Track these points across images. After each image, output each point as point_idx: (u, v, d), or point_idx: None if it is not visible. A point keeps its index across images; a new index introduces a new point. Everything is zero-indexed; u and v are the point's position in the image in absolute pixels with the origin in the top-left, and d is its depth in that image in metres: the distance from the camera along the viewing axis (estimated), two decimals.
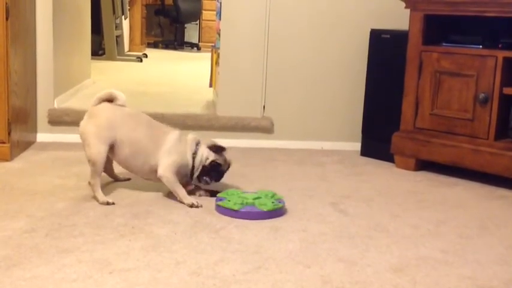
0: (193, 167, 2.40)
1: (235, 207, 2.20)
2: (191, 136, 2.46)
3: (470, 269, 1.84)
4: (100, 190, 2.32)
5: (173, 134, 2.42)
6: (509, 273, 1.82)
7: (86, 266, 1.71)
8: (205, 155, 2.40)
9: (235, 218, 2.18)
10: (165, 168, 2.34)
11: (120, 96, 2.48)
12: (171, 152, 2.37)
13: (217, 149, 2.42)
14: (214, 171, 2.41)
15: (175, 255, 1.82)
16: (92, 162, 2.33)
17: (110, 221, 2.09)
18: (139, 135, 2.40)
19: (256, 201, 2.25)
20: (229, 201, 2.25)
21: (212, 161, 2.40)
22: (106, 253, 1.81)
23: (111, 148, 2.37)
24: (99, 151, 2.34)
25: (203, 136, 3.34)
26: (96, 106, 2.44)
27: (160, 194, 2.43)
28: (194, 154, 2.40)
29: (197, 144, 2.43)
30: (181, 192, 2.34)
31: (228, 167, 2.47)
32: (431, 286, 1.71)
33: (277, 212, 2.24)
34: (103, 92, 2.48)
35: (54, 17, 3.25)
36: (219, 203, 2.26)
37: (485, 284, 1.74)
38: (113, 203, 2.28)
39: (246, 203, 2.24)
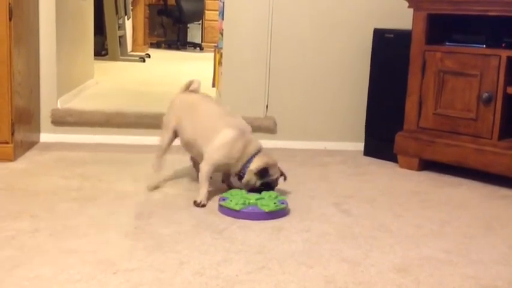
0: (240, 176, 2.36)
1: (237, 208, 2.19)
2: (253, 146, 2.37)
3: (474, 268, 1.84)
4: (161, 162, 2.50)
5: (228, 132, 2.34)
6: None
7: (89, 267, 1.71)
8: (254, 179, 2.35)
9: (237, 218, 2.18)
10: (206, 162, 2.34)
11: (195, 81, 2.62)
12: (219, 149, 2.33)
13: (263, 174, 2.33)
14: (263, 189, 2.36)
15: (178, 256, 1.82)
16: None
17: (113, 221, 2.09)
18: (197, 124, 2.42)
19: (259, 202, 2.24)
20: (231, 201, 2.24)
21: (262, 183, 2.35)
22: (109, 253, 1.81)
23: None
24: (163, 138, 2.55)
25: None
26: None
27: (163, 194, 2.44)
28: (248, 163, 2.34)
29: (254, 155, 2.35)
30: (203, 190, 2.33)
31: (276, 180, 2.41)
32: (435, 286, 1.70)
33: (279, 213, 2.23)
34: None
35: (57, 18, 3.25)
36: (222, 203, 2.25)
37: (489, 283, 1.74)
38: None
39: (249, 203, 2.23)
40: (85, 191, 2.43)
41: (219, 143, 2.33)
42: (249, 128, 2.45)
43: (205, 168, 2.34)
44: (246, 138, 2.38)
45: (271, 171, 2.37)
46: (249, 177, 2.35)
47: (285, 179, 2.45)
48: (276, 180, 2.42)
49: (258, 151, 2.38)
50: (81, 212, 2.18)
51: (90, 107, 3.42)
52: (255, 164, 2.34)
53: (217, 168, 2.40)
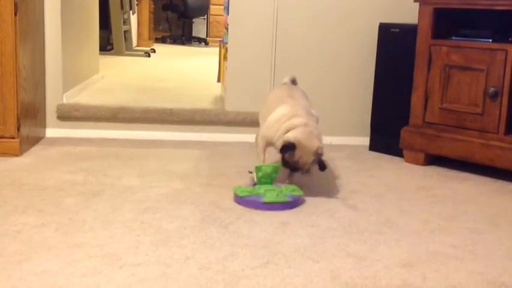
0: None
1: (241, 194, 2.26)
2: (291, 122, 2.34)
3: (481, 264, 1.83)
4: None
5: (280, 108, 2.41)
6: None
7: (95, 261, 1.72)
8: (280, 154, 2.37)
9: (239, 204, 2.25)
10: (258, 134, 2.53)
11: (286, 77, 2.73)
12: (267, 124, 2.42)
13: (284, 149, 2.30)
14: (292, 170, 2.38)
15: (184, 250, 1.82)
16: None
17: (119, 216, 2.10)
18: (268, 110, 2.49)
19: (267, 192, 2.27)
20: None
21: (286, 162, 2.34)
22: (115, 248, 1.82)
23: None
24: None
25: (211, 131, 3.37)
26: None
27: (169, 189, 2.44)
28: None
29: (287, 131, 2.33)
30: (258, 159, 2.49)
31: (303, 165, 2.32)
32: (441, 281, 1.70)
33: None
34: None
35: (62, 13, 3.25)
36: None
37: (495, 279, 1.73)
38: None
39: (257, 192, 2.28)
40: (91, 185, 2.43)
41: (271, 117, 2.41)
42: (302, 112, 2.39)
43: (256, 140, 2.52)
44: (294, 116, 2.35)
45: (297, 152, 2.28)
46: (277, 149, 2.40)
47: (321, 168, 2.31)
48: (302, 164, 2.31)
49: (291, 129, 2.31)
50: (87, 206, 2.19)
51: (95, 102, 3.42)
52: (288, 136, 2.30)
53: (268, 143, 2.46)
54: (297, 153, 2.30)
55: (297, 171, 2.39)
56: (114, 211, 2.15)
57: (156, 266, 1.70)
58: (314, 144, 2.31)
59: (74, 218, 2.06)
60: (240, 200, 2.26)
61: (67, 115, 3.29)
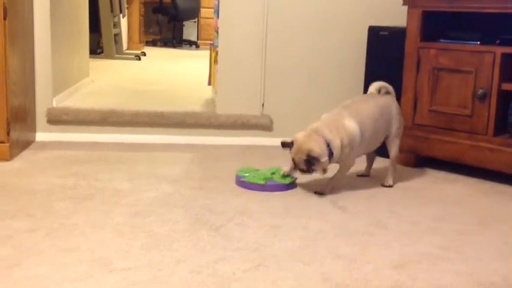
0: None
1: (262, 182, 2.51)
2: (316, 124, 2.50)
3: (470, 265, 1.85)
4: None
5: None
6: (509, 269, 1.83)
7: (86, 265, 1.72)
8: None
9: (261, 191, 2.49)
10: None
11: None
12: None
13: (282, 146, 2.49)
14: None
15: (175, 254, 1.82)
16: None
17: (109, 220, 2.09)
18: None
19: (275, 176, 2.56)
20: (254, 176, 2.54)
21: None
22: (106, 252, 1.82)
23: None
24: None
25: (202, 134, 3.38)
26: None
27: (160, 192, 2.44)
28: None
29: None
30: None
31: (298, 164, 2.44)
32: (431, 282, 1.71)
33: (294, 184, 2.58)
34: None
35: (51, 16, 3.25)
36: (245, 179, 2.54)
37: (484, 279, 1.75)
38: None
39: (267, 177, 2.54)
40: (81, 189, 2.43)
41: None
42: (326, 121, 2.49)
43: None
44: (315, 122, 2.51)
45: (293, 150, 2.42)
46: None
47: (307, 167, 2.40)
48: (297, 161, 2.42)
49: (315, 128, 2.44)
50: (78, 210, 2.18)
51: (85, 106, 3.41)
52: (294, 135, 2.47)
53: None
54: (293, 151, 2.43)
55: (301, 171, 2.46)
56: (105, 215, 2.15)
57: (146, 270, 1.70)
58: (307, 145, 2.37)
59: (65, 222, 2.06)
60: (262, 187, 2.51)
61: (57, 119, 3.28)
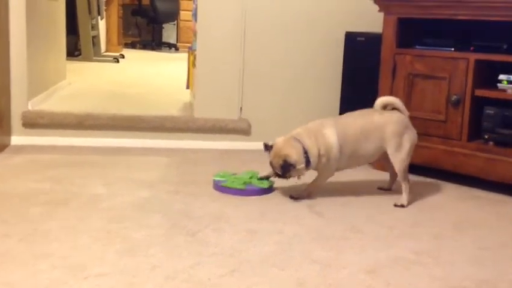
0: None
1: (241, 187, 2.53)
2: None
3: (443, 269, 1.87)
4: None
5: None
6: (481, 274, 1.86)
7: (60, 272, 1.70)
8: None
9: (241, 195, 2.50)
10: None
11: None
12: None
13: (264, 148, 2.52)
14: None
15: (151, 260, 1.82)
16: None
17: (85, 226, 2.08)
18: None
19: (253, 180, 2.60)
20: (233, 181, 2.56)
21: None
22: (81, 258, 1.80)
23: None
24: None
25: (180, 138, 3.37)
26: None
27: (137, 197, 2.43)
28: None
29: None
30: None
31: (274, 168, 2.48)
32: (404, 287, 1.73)
33: (273, 188, 2.61)
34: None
35: (27, 18, 3.21)
36: (224, 184, 2.56)
37: (456, 284, 1.77)
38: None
39: (246, 182, 2.58)
40: (56, 194, 2.41)
41: None
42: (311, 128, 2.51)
43: None
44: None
45: (271, 154, 2.46)
46: None
47: (282, 172, 2.43)
48: (274, 165, 2.45)
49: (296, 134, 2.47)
50: (53, 216, 2.16)
51: (62, 109, 3.38)
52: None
53: None
54: (271, 154, 2.46)
55: (277, 176, 2.50)
56: (80, 220, 2.13)
57: (121, 276, 1.69)
58: (285, 151, 2.40)
59: (39, 227, 2.04)
60: (241, 192, 2.53)
61: (33, 122, 3.24)
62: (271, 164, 2.47)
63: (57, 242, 1.92)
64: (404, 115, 2.55)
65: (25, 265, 1.73)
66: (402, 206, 2.50)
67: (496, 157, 2.65)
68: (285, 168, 2.40)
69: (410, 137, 2.54)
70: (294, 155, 2.39)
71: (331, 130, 2.45)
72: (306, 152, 2.40)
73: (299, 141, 2.42)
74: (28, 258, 1.79)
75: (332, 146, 2.44)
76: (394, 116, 2.53)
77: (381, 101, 2.58)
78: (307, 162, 2.41)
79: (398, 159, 2.51)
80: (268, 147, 2.47)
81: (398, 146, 2.51)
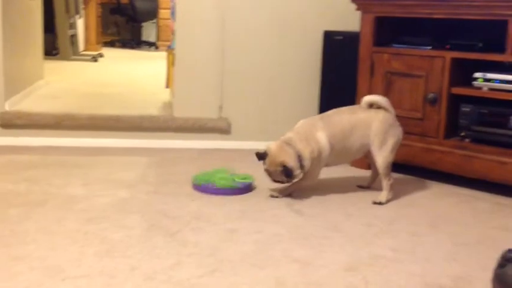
0: None
1: (232, 185, 2.53)
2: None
3: (420, 266, 1.90)
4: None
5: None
6: (458, 270, 1.89)
7: (38, 274, 1.69)
8: None
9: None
10: None
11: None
12: None
13: (257, 157, 2.50)
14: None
15: (129, 261, 1.81)
16: None
17: (62, 227, 2.06)
18: None
19: (236, 178, 2.58)
20: (220, 181, 2.55)
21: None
22: (58, 260, 1.79)
23: None
24: None
25: (160, 137, 3.36)
26: None
27: (115, 197, 2.41)
28: None
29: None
30: None
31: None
32: (382, 284, 1.75)
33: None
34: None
35: (3, 17, 3.17)
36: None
37: (433, 281, 1.79)
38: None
39: (212, 180, 2.56)
40: (34, 195, 2.38)
41: None
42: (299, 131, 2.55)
43: None
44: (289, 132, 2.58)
45: (267, 161, 2.46)
46: None
47: (286, 175, 2.44)
48: (270, 172, 2.47)
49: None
50: (30, 217, 2.14)
51: (39, 109, 3.35)
52: (267, 145, 2.52)
53: None
54: (267, 162, 2.46)
55: (276, 182, 2.51)
56: (58, 222, 2.11)
57: (100, 278, 1.68)
58: (280, 158, 2.42)
59: (16, 229, 2.02)
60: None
61: (9, 123, 3.20)
62: (267, 171, 2.48)
63: (35, 244, 1.90)
64: (391, 113, 2.58)
65: (2, 267, 1.72)
66: (380, 203, 2.51)
67: (472, 154, 2.69)
68: (288, 174, 2.42)
69: (395, 135, 2.56)
70: (291, 161, 2.42)
71: (322, 133, 2.49)
72: (299, 156, 2.43)
73: (291, 146, 2.45)
74: (5, 260, 1.77)
75: (324, 148, 2.49)
76: (380, 114, 2.55)
77: (366, 99, 2.60)
78: (301, 167, 2.44)
79: (382, 156, 2.54)
80: (262, 156, 2.46)
81: (382, 144, 2.53)
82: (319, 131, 2.49)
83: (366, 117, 2.55)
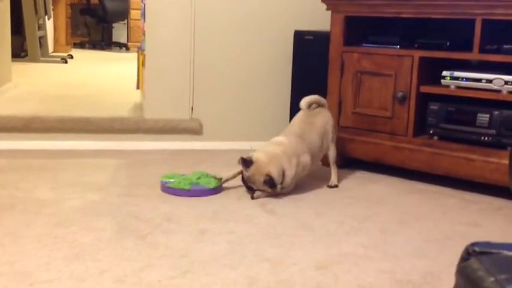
0: None
1: (187, 187, 2.49)
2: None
3: (390, 263, 1.92)
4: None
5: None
6: (427, 266, 1.91)
7: (5, 279, 1.66)
8: None
9: (187, 196, 2.46)
10: None
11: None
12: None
13: (243, 164, 2.53)
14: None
15: (99, 264, 1.79)
16: None
17: (31, 231, 2.03)
18: None
19: (200, 181, 2.56)
20: (180, 182, 2.52)
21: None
22: (27, 264, 1.76)
23: None
24: None
25: (130, 139, 3.33)
26: None
27: (84, 200, 2.38)
28: None
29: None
30: None
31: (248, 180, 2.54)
32: (352, 282, 1.76)
33: (221, 188, 2.58)
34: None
35: None
36: (169, 185, 2.51)
37: (403, 277, 1.82)
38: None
39: (192, 182, 2.53)
40: (1, 199, 2.34)
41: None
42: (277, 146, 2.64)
43: None
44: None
45: (250, 168, 2.50)
46: None
47: (270, 186, 2.49)
48: (253, 181, 2.51)
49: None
50: None
51: (7, 112, 3.29)
52: (253, 153, 2.57)
53: None
54: (250, 170, 2.51)
55: (249, 188, 2.56)
56: (26, 226, 2.08)
57: (69, 282, 1.66)
58: (267, 168, 2.48)
59: None
60: (187, 192, 2.50)
61: None
62: (248, 178, 2.51)
63: (2, 248, 1.87)
64: (327, 108, 2.84)
65: None
66: (336, 186, 2.76)
67: (440, 151, 2.73)
68: (271, 184, 2.47)
69: (335, 126, 2.86)
70: (276, 175, 2.49)
71: (307, 156, 2.65)
72: (283, 173, 2.52)
73: (279, 161, 2.52)
74: None
75: (307, 167, 2.67)
76: (326, 113, 2.80)
77: (306, 100, 2.77)
78: (282, 182, 2.53)
79: (333, 147, 2.82)
80: (247, 163, 2.49)
81: (334, 137, 2.83)
82: (305, 155, 2.65)
83: (322, 121, 2.76)
